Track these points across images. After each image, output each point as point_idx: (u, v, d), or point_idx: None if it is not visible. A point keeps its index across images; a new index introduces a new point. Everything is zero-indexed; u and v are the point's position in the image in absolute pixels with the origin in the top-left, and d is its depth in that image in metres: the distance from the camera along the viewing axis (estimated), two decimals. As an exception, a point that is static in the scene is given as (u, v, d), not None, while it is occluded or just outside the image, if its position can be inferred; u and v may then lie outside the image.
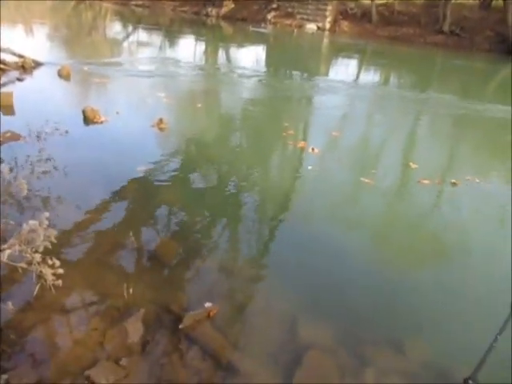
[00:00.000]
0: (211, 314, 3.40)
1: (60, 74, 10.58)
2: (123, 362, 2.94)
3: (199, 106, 9.76)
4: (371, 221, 5.34)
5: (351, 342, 3.32)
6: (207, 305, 3.43)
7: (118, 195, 5.23)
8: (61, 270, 2.75)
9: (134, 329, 3.20)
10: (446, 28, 26.48)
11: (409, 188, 6.60)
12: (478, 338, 3.50)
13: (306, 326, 3.41)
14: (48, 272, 2.68)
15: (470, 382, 1.81)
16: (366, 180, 6.24)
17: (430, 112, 11.30)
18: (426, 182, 6.35)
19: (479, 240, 5.19)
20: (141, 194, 5.42)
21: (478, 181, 6.60)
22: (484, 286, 4.26)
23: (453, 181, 6.49)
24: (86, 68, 11.66)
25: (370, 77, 17.58)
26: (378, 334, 3.47)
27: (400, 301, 3.92)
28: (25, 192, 3.10)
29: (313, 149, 7.30)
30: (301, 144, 7.58)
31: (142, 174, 5.79)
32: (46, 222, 2.65)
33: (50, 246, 2.80)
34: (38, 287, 3.26)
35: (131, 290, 3.55)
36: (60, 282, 2.84)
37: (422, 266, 4.60)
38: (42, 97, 8.97)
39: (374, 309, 3.77)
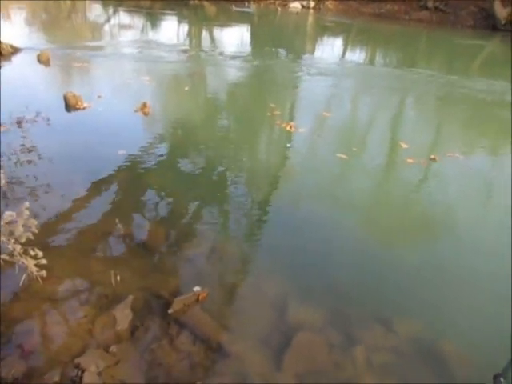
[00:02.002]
0: (200, 297, 3.40)
1: (39, 60, 10.31)
2: (113, 348, 2.94)
3: (184, 89, 9.60)
4: (337, 195, 5.42)
5: (341, 322, 3.36)
6: (196, 289, 3.43)
7: (103, 182, 5.17)
8: (44, 261, 2.71)
9: (123, 315, 3.19)
10: (430, 4, 26.26)
11: (380, 163, 6.59)
12: (465, 312, 3.58)
13: (295, 307, 3.43)
14: (31, 263, 2.64)
15: (502, 379, 1.78)
16: (342, 156, 6.31)
17: (417, 89, 11.28)
18: (408, 159, 6.38)
19: (456, 213, 5.24)
20: (127, 180, 5.37)
21: (458, 156, 6.66)
22: (468, 259, 4.32)
23: (432, 157, 6.52)
24: (66, 53, 11.39)
25: (357, 55, 17.46)
26: (367, 312, 3.50)
27: (387, 278, 3.96)
28: (3, 182, 3.03)
29: (290, 126, 7.36)
30: (284, 124, 7.54)
31: (127, 160, 5.72)
32: (27, 213, 2.59)
33: (32, 237, 2.76)
34: (23, 278, 3.23)
35: (119, 277, 3.53)
36: (44, 272, 2.80)
37: (382, 239, 4.64)
38: (22, 83, 8.74)
39: (362, 287, 3.80)
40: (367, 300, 3.65)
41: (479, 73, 14.69)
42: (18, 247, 2.67)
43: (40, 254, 2.69)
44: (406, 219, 5.14)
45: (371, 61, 16.30)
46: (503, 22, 23.42)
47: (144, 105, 7.47)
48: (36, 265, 2.77)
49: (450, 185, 5.98)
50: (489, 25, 23.90)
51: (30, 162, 5.45)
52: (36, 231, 2.74)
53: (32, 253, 2.73)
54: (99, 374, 2.76)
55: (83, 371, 2.75)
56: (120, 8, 25.67)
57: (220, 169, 5.87)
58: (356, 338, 3.20)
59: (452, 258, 4.34)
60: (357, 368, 2.97)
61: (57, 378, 2.73)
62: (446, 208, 5.36)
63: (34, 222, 2.61)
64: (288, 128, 7.32)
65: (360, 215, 5.05)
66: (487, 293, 3.84)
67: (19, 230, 2.51)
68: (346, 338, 3.19)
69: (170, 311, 3.25)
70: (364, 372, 2.94)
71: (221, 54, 14.01)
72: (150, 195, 5.01)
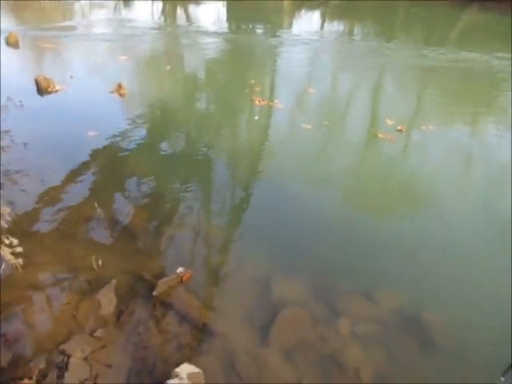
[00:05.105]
0: (184, 278, 3.39)
1: (8, 42, 9.95)
2: (98, 333, 2.93)
3: (161, 68, 9.41)
4: (312, 172, 5.44)
5: (324, 296, 3.39)
6: (179, 270, 3.42)
7: (81, 166, 5.07)
8: (20, 249, 2.65)
9: (107, 300, 3.17)
10: (407, -25, 25.96)
11: (354, 137, 6.58)
12: (446, 283, 3.65)
13: (279, 284, 3.45)
14: (6, 251, 2.58)
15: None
16: (308, 126, 6.39)
17: (397, 62, 11.22)
18: (379, 133, 6.41)
19: (417, 184, 5.30)
20: (105, 163, 5.27)
21: (431, 127, 6.71)
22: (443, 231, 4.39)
23: (398, 128, 6.54)
24: (36, 34, 10.99)
25: (335, 29, 17.26)
26: (350, 285, 3.54)
27: (367, 250, 4.01)
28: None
29: (270, 103, 7.36)
30: (264, 100, 7.48)
31: (104, 143, 5.61)
32: (-1, 200, 2.52)
33: (6, 225, 2.69)
34: (3, 267, 3.16)
35: (101, 262, 3.50)
36: (20, 260, 2.74)
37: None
38: (-9, 67, 8.44)
39: (345, 261, 3.84)
40: (350, 273, 3.69)
41: (458, 43, 14.67)
42: (-9, 236, 2.60)
43: (15, 241, 2.63)
44: (376, 192, 5.15)
45: (350, 34, 16.14)
46: (480, -9, 23.39)
47: (119, 86, 7.29)
48: (12, 253, 2.71)
49: (414, 156, 6.10)
50: (465, -5, 23.80)
51: (4, 147, 5.31)
52: (9, 219, 2.67)
53: (7, 241, 2.66)
54: (85, 358, 2.75)
55: (69, 357, 2.74)
56: (90, -14, 24.78)
57: (200, 148, 5.81)
58: (340, 311, 3.25)
59: (419, 228, 4.37)
60: (342, 340, 3.02)
61: (43, 365, 2.71)
62: (407, 179, 5.43)
63: (6, 210, 2.54)
64: (267, 104, 7.27)
65: (335, 190, 5.07)
66: (465, 262, 3.92)
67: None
68: (330, 311, 3.24)
69: (154, 293, 3.24)
70: (349, 343, 3.00)
71: (197, 31, 13.71)
72: (130, 178, 4.94)
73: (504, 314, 3.21)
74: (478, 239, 4.22)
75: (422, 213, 4.69)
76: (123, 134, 5.94)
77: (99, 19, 14.73)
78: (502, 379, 1.72)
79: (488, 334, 3.12)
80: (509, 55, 11.24)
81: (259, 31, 14.76)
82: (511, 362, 1.68)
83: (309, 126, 6.39)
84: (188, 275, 3.41)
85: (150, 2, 20.58)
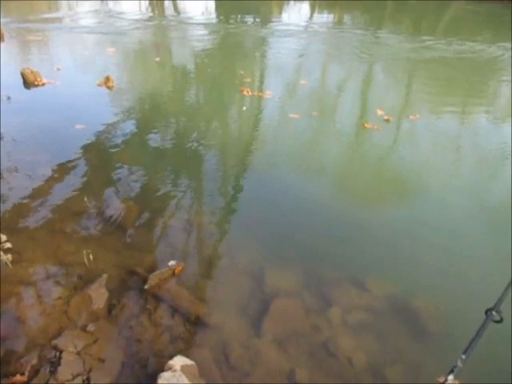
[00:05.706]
0: (176, 271, 3.39)
1: (-8, 35, 9.77)
2: (90, 327, 2.92)
3: (150, 60, 9.31)
4: (303, 163, 5.43)
5: (316, 286, 3.41)
6: (171, 263, 3.41)
7: (70, 160, 5.02)
8: (9, 245, 2.63)
9: (99, 294, 3.16)
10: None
11: (341, 128, 6.62)
12: (435, 270, 3.69)
13: (271, 275, 3.46)
14: (-5, 247, 2.56)
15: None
16: (295, 115, 6.44)
17: (387, 51, 11.22)
18: (366, 124, 6.43)
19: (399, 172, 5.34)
20: (95, 157, 5.22)
21: (418, 116, 6.74)
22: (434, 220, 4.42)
23: (385, 118, 6.58)
24: (21, 26, 10.80)
25: (325, 19, 17.21)
26: (341, 274, 3.56)
27: (359, 240, 4.02)
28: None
29: (247, 91, 7.36)
30: (253, 92, 7.45)
31: (93, 137, 5.55)
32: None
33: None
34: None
35: (92, 257, 3.47)
36: (10, 256, 2.72)
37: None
38: (-25, 61, 8.31)
39: (336, 251, 3.86)
40: (341, 263, 3.71)
41: (447, 33, 14.71)
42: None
43: (4, 237, 2.60)
44: (360, 181, 5.15)
45: (339, 24, 16.09)
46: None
47: (107, 78, 7.21)
48: (1, 249, 2.68)
49: (397, 145, 6.13)
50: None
51: (-10, 142, 5.25)
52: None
53: (-5, 237, 2.64)
54: (78, 353, 2.74)
55: (61, 352, 2.73)
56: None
57: (190, 141, 5.78)
58: (331, 300, 3.26)
59: (413, 218, 4.40)
60: (333, 328, 3.04)
61: (35, 361, 2.69)
62: (390, 168, 5.46)
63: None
64: (257, 95, 7.25)
65: (317, 179, 5.08)
66: (455, 249, 3.96)
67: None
68: (322, 301, 3.25)
69: (146, 287, 3.23)
70: (340, 332, 3.02)
71: (186, 22, 13.59)
72: (120, 171, 4.91)
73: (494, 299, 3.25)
74: (466, 226, 4.25)
75: (409, 200, 4.71)
76: (112, 127, 5.89)
77: (86, 11, 14.53)
78: (463, 357, 1.73)
79: (479, 319, 3.15)
80: (494, 43, 11.30)
81: (248, 21, 14.66)
82: (471, 341, 1.71)
83: (296, 116, 6.37)
84: (180, 268, 3.41)
85: (138, -7, 20.33)
